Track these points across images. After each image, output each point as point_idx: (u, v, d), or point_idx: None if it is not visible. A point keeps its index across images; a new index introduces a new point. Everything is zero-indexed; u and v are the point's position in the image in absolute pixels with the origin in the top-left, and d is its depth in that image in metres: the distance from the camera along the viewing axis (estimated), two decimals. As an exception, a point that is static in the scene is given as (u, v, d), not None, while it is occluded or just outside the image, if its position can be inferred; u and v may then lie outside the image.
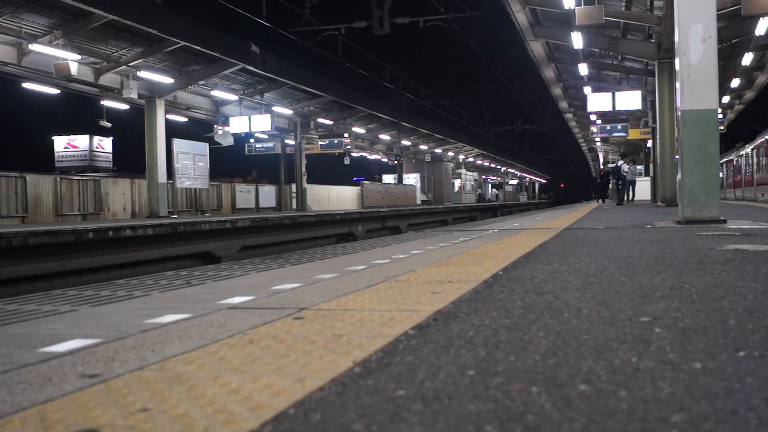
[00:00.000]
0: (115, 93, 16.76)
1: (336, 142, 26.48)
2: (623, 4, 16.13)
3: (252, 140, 26.40)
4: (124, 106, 18.77)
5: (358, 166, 42.22)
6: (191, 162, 19.03)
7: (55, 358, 1.53)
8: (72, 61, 13.62)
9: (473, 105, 55.96)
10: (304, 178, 26.91)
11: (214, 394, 1.18)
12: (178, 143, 18.43)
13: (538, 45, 19.07)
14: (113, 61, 15.54)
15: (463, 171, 47.52)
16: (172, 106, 19.45)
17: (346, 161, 30.69)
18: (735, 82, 22.76)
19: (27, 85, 15.83)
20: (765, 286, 2.31)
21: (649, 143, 26.01)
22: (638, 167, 25.17)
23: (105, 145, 23.05)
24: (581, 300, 2.11)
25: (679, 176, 6.91)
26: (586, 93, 21.93)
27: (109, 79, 16.12)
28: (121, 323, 2.00)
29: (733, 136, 36.55)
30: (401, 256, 4.11)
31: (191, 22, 14.97)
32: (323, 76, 21.96)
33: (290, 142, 26.95)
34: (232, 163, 35.36)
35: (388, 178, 41.55)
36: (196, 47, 15.08)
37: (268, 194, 25.91)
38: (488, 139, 51.53)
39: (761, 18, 13.56)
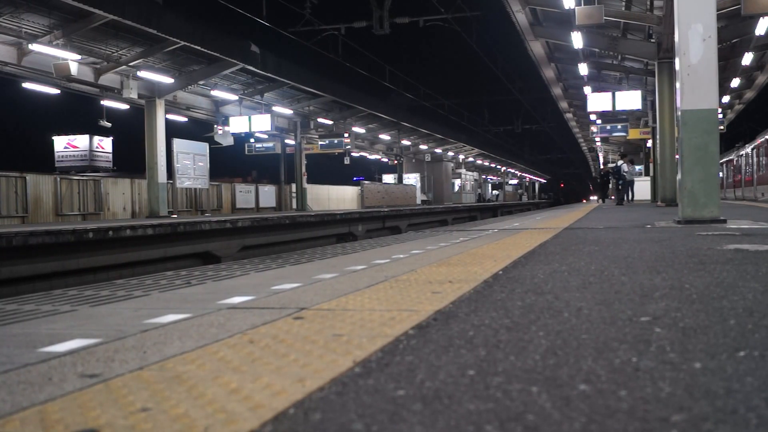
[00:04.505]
0: (115, 93, 16.76)
1: (336, 142, 26.48)
2: (623, 4, 16.13)
3: (252, 140, 26.39)
4: (124, 106, 18.77)
5: (358, 166, 42.29)
6: (191, 162, 19.02)
7: (55, 358, 1.53)
8: (72, 61, 13.62)
9: (473, 105, 56.09)
10: (304, 178, 26.90)
11: (214, 394, 1.18)
12: (178, 143, 18.43)
13: (538, 45, 19.07)
14: (113, 61, 15.54)
15: (463, 171, 47.53)
16: (172, 106, 19.45)
17: (346, 161, 30.70)
18: (735, 82, 22.78)
19: (27, 85, 15.84)
20: (765, 286, 2.31)
21: (649, 143, 26.01)
22: (637, 167, 25.18)
23: (105, 145, 23.04)
24: (581, 300, 2.11)
25: (679, 176, 6.91)
26: (586, 93, 21.94)
27: (109, 79, 16.12)
28: (121, 323, 2.00)
29: (733, 136, 36.62)
30: (401, 256, 4.10)
31: (191, 22, 14.98)
32: (323, 76, 21.97)
33: (290, 142, 26.94)
34: (232, 163, 35.38)
35: (388, 178, 41.56)
36: (196, 47, 15.09)
37: (268, 194, 25.90)
38: (488, 139, 51.53)
39: (761, 18, 13.57)
